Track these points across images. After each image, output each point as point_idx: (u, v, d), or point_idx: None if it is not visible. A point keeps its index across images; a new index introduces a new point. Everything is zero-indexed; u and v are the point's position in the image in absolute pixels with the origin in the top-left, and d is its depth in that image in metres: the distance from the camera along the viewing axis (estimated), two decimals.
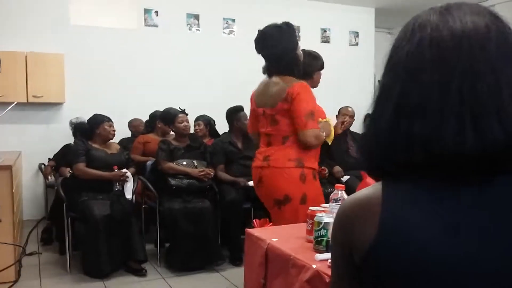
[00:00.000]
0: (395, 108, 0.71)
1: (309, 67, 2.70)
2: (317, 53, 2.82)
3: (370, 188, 0.75)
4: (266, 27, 2.53)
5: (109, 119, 3.89)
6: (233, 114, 4.34)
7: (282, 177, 2.44)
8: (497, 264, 0.64)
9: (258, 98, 2.61)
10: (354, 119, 5.04)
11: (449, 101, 0.66)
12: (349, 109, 5.08)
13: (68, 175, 3.97)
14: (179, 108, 4.19)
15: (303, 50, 2.72)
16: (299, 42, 2.58)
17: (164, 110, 4.38)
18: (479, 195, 0.66)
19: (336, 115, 5.01)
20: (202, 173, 3.90)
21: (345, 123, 3.01)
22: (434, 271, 0.65)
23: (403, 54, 0.72)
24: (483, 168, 0.65)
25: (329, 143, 2.72)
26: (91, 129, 3.85)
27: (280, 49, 2.48)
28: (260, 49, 2.54)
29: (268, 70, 2.56)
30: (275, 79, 2.52)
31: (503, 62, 0.66)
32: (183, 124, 4.03)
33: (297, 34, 2.59)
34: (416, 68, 0.70)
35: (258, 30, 2.56)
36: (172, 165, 3.91)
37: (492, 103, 0.64)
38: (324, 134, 2.52)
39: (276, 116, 2.48)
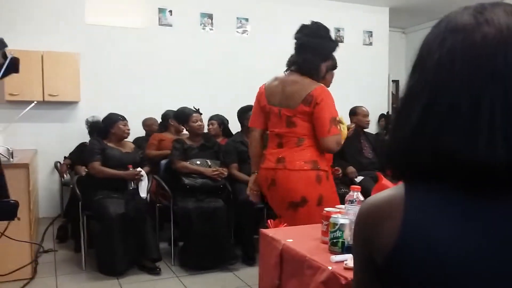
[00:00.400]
0: (421, 114, 0.69)
1: None
2: None
3: (392, 190, 0.74)
4: (318, 22, 2.51)
5: (123, 118, 3.92)
6: (243, 114, 4.36)
7: (299, 179, 2.40)
8: None
9: (272, 95, 2.51)
10: (369, 120, 5.03)
11: (480, 113, 0.64)
12: (363, 108, 5.06)
13: (84, 173, 4.01)
14: (193, 107, 4.21)
15: None
16: (331, 63, 2.55)
17: (178, 109, 4.40)
18: (504, 205, 0.65)
19: (353, 115, 5.00)
20: (216, 172, 3.91)
21: (350, 130, 2.99)
22: (456, 277, 0.64)
23: (434, 60, 0.69)
24: (511, 182, 0.63)
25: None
26: (106, 128, 3.88)
27: (318, 43, 2.43)
28: (302, 34, 2.49)
29: (290, 63, 2.49)
30: (293, 77, 2.45)
31: None
32: (197, 123, 4.05)
33: (334, 54, 2.54)
34: (446, 76, 0.67)
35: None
36: (186, 164, 3.93)
37: None
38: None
39: (294, 118, 2.41)
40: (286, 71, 2.53)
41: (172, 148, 4.02)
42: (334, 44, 2.54)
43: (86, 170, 3.94)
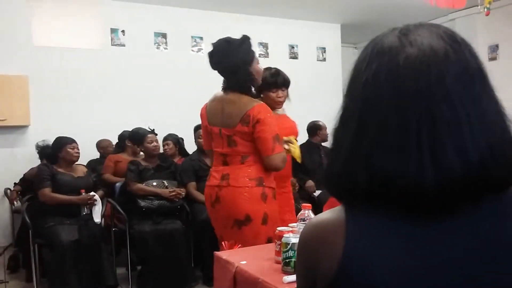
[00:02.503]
0: (354, 137, 0.69)
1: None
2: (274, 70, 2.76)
3: (332, 213, 0.73)
4: (217, 41, 2.42)
5: (72, 141, 3.79)
6: (194, 132, 4.40)
7: (243, 197, 2.34)
8: None
9: (212, 115, 2.45)
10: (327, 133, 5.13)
11: (408, 134, 0.64)
12: (320, 123, 5.17)
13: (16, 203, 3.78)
14: (148, 128, 4.15)
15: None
16: (256, 57, 2.45)
17: (132, 130, 4.34)
18: (442, 227, 0.65)
19: (319, 130, 5.09)
20: (173, 193, 3.85)
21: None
22: None
23: (361, 82, 0.69)
24: (444, 201, 0.64)
25: (299, 161, 2.65)
26: (54, 153, 3.76)
27: (230, 63, 2.36)
28: (212, 64, 2.42)
29: (225, 85, 2.44)
30: (230, 96, 2.40)
31: (462, 94, 0.64)
32: (152, 144, 3.99)
33: (251, 48, 2.43)
34: (373, 98, 0.68)
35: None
36: (142, 186, 3.85)
37: (450, 138, 0.63)
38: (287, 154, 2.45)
39: (234, 137, 2.36)
40: (223, 89, 2.46)
41: (127, 170, 3.94)
42: (244, 46, 2.39)
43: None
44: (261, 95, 2.65)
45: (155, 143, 4.01)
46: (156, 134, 4.11)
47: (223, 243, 2.11)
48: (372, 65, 0.69)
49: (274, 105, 2.72)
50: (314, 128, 5.13)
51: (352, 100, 0.72)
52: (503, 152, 0.65)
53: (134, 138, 4.24)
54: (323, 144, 5.16)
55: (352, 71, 0.74)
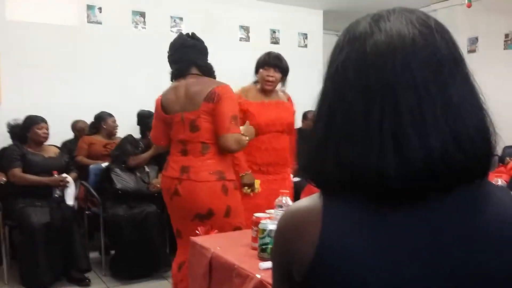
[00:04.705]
0: (325, 125, 0.68)
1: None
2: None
3: (310, 200, 0.72)
4: (180, 39, 2.62)
5: (41, 121, 3.65)
6: None
7: (204, 191, 2.32)
8: (436, 285, 0.63)
9: (171, 103, 2.43)
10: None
11: (371, 124, 0.63)
12: (310, 113, 5.17)
13: (2, 182, 3.71)
14: None
15: None
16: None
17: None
18: (412, 216, 0.64)
19: (304, 120, 5.10)
20: (153, 189, 3.79)
21: None
22: None
23: (333, 69, 0.69)
24: (409, 190, 0.63)
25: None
26: (22, 133, 3.64)
27: (194, 47, 2.55)
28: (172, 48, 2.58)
29: (186, 72, 2.47)
30: (194, 79, 2.42)
31: (428, 80, 0.63)
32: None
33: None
34: (342, 86, 0.67)
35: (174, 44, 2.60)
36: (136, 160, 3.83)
37: (414, 126, 0.62)
38: (247, 138, 2.46)
39: (198, 120, 2.33)
40: (180, 77, 2.48)
41: (123, 141, 3.88)
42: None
43: (4, 179, 3.66)
44: (257, 74, 2.88)
45: None
46: None
47: (198, 228, 2.07)
48: (342, 52, 0.69)
49: (263, 84, 2.86)
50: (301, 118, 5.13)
51: (325, 87, 0.71)
52: (470, 140, 0.63)
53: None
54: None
55: (328, 59, 0.73)
